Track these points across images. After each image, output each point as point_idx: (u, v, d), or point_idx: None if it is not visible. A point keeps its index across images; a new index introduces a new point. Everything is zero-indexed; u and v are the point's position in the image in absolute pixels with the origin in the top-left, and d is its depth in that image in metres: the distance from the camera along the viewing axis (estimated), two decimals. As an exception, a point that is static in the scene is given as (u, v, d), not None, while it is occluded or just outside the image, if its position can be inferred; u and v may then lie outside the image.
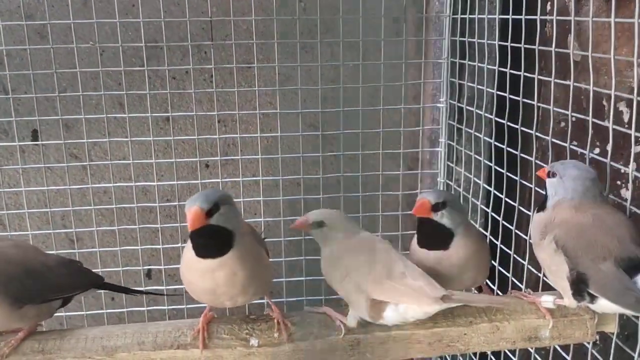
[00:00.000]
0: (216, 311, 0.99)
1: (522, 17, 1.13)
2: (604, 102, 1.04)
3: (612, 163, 0.93)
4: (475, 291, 1.17)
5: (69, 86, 1.46)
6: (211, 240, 0.88)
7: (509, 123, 1.20)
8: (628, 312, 0.86)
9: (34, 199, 1.50)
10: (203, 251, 0.88)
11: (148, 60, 1.43)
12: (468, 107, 1.39)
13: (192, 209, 0.84)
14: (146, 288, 1.53)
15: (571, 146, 1.02)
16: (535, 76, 1.10)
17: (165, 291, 1.51)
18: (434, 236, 0.98)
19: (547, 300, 0.95)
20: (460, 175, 1.45)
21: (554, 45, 1.03)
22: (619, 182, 1.06)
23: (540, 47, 1.06)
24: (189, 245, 0.90)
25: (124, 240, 1.52)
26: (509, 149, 1.21)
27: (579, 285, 0.85)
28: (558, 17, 1.03)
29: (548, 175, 0.93)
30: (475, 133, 1.34)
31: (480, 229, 1.35)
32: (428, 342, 0.93)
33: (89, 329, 0.95)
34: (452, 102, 1.47)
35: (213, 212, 0.86)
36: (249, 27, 1.45)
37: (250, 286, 0.92)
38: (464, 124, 1.41)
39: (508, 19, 1.17)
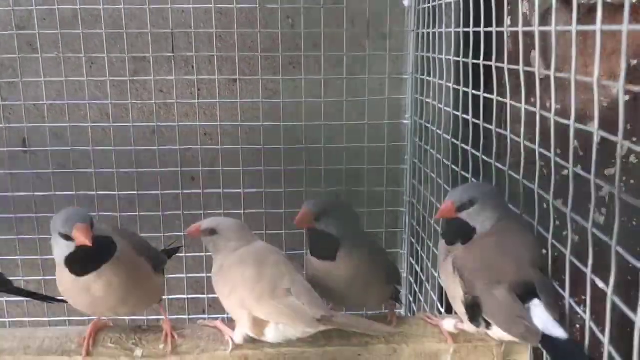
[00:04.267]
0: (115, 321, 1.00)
1: (481, 29, 1.03)
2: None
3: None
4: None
5: (57, 96, 1.49)
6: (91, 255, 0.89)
7: (471, 149, 1.09)
8: (519, 342, 0.81)
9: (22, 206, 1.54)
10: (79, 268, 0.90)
11: (135, 72, 1.46)
12: (430, 126, 1.33)
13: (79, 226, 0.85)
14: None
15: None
16: (494, 97, 0.99)
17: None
18: (320, 244, 0.96)
19: (448, 323, 0.92)
20: (421, 195, 1.40)
21: (505, 62, 0.95)
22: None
23: (497, 64, 0.96)
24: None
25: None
26: (464, 173, 1.13)
27: (474, 310, 0.81)
28: (510, 29, 0.94)
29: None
30: (437, 155, 1.27)
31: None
32: (320, 362, 0.90)
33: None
34: (416, 119, 1.44)
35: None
36: (234, 40, 1.46)
37: (131, 297, 0.93)
38: (429, 143, 1.35)
39: (468, 32, 1.08)
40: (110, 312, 0.94)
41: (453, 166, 1.19)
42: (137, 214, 1.50)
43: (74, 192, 1.50)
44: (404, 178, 1.51)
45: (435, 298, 1.34)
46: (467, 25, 1.08)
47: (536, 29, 0.83)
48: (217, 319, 1.01)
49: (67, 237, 0.86)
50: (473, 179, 1.08)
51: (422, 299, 1.43)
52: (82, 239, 0.83)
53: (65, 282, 0.90)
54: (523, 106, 0.90)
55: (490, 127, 1.01)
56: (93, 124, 1.48)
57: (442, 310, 1.19)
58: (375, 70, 1.47)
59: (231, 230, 0.98)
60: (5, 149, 1.50)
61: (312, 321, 0.84)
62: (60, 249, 0.89)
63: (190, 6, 1.41)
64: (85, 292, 0.89)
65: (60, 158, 1.55)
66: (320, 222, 0.95)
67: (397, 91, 1.50)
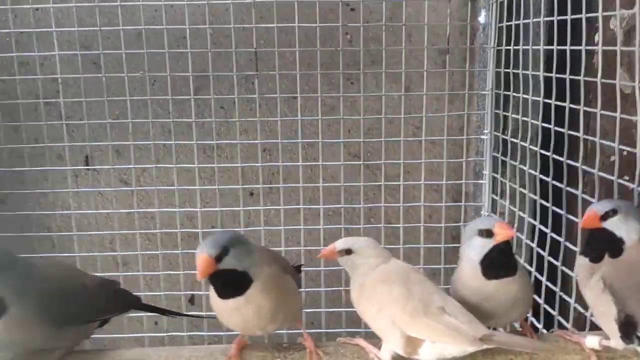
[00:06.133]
0: (250, 338, 0.99)
1: (567, 47, 1.10)
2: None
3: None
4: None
5: (120, 114, 1.51)
6: (227, 283, 0.89)
7: (554, 156, 1.17)
8: None
9: (84, 222, 1.55)
10: (223, 293, 0.90)
11: (197, 90, 1.47)
12: (513, 139, 1.36)
13: (201, 257, 0.85)
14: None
15: (620, 180, 0.98)
16: (581, 107, 1.06)
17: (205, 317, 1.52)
18: (504, 261, 0.94)
19: (592, 340, 0.91)
20: (505, 209, 1.41)
21: (599, 76, 0.99)
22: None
23: (586, 78, 1.03)
24: None
25: (168, 265, 1.55)
26: (554, 182, 1.17)
27: (628, 328, 0.81)
28: (604, 47, 1.00)
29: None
30: (520, 166, 1.31)
31: (526, 265, 1.32)
32: (466, 379, 0.89)
33: (124, 350, 0.97)
34: (496, 134, 1.45)
35: (222, 256, 0.87)
36: (294, 58, 1.47)
37: (278, 315, 0.92)
38: (509, 156, 1.38)
39: (553, 49, 1.15)
40: (261, 330, 0.94)
41: (542, 175, 1.22)
42: (199, 230, 1.51)
43: (134, 210, 1.52)
44: (482, 193, 1.51)
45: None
46: (552, 42, 1.15)
47: (618, 48, 0.92)
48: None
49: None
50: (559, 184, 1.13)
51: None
52: (198, 270, 0.84)
53: (218, 303, 0.92)
54: (618, 116, 0.95)
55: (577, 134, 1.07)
56: (156, 142, 1.50)
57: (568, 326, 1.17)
58: (432, 86, 1.48)
59: (368, 248, 0.97)
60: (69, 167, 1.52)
61: (473, 340, 0.82)
62: None
63: (252, 25, 1.42)
64: (237, 314, 0.90)
65: (123, 175, 1.57)
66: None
67: (457, 107, 1.50)
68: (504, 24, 1.37)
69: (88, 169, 1.55)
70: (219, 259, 0.87)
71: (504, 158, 1.41)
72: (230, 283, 0.89)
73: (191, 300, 1.62)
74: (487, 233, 0.91)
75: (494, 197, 1.47)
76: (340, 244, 0.98)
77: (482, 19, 1.45)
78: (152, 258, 1.56)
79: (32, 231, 1.53)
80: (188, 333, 1.53)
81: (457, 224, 1.53)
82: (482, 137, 1.48)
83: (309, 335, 0.97)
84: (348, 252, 0.97)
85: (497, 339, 0.83)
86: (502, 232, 0.90)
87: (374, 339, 0.94)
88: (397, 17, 1.49)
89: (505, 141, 1.41)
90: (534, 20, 1.22)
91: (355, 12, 1.53)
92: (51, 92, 1.50)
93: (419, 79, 1.49)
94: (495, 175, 1.46)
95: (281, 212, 1.51)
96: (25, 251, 1.50)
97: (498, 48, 1.40)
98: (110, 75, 1.44)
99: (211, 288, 0.92)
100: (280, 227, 1.51)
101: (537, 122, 1.23)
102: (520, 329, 1.03)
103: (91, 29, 1.42)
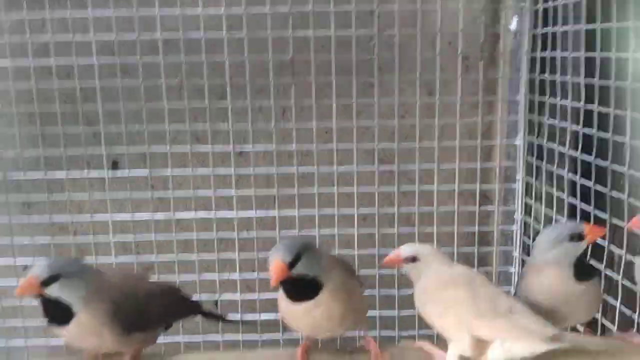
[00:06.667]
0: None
1: (612, 54, 1.12)
2: None
3: None
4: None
5: (151, 120, 1.51)
6: (298, 288, 0.92)
7: (598, 160, 1.18)
8: None
9: (117, 227, 1.55)
10: (295, 297, 0.93)
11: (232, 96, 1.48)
12: (549, 145, 1.38)
13: (275, 263, 0.88)
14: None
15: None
16: (628, 112, 1.08)
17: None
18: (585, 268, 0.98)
19: None
20: (538, 213, 1.43)
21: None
22: None
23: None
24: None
25: (206, 268, 1.55)
26: (598, 187, 1.19)
27: None
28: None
29: None
30: (558, 170, 1.33)
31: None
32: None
33: (191, 354, 0.98)
34: (530, 138, 1.47)
35: (294, 262, 0.89)
36: (325, 64, 1.47)
37: (348, 318, 0.95)
38: (545, 160, 1.40)
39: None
40: (330, 332, 0.97)
41: (584, 180, 1.24)
42: (236, 236, 1.52)
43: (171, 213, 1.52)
44: (515, 197, 1.53)
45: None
46: (590, 48, 1.17)
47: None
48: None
49: None
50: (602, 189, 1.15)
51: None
52: (272, 277, 0.87)
53: (288, 307, 0.94)
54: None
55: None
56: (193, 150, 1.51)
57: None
58: (454, 91, 1.50)
59: (431, 255, 1.00)
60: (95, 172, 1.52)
61: (545, 339, 0.84)
62: None
63: (289, 34, 1.43)
64: (308, 317, 0.92)
65: (153, 180, 1.57)
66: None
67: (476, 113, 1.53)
68: (539, 30, 1.39)
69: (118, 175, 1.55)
70: (291, 265, 0.89)
71: (538, 163, 1.43)
72: (302, 288, 0.91)
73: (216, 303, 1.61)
74: (579, 237, 0.95)
75: (528, 201, 1.49)
76: (405, 251, 1.00)
77: (513, 25, 1.46)
78: (189, 263, 1.55)
79: (57, 236, 1.52)
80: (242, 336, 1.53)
81: (487, 228, 1.56)
82: (516, 142, 1.50)
83: (371, 339, 0.99)
84: (414, 259, 0.99)
85: (570, 338, 0.85)
86: (593, 233, 0.95)
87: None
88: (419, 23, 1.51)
89: (540, 146, 1.42)
90: (574, 27, 1.24)
91: (380, 18, 1.54)
92: (82, 98, 1.49)
93: (442, 84, 1.51)
94: (529, 179, 1.48)
95: (316, 218, 1.52)
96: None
97: (532, 55, 1.42)
98: (144, 83, 1.44)
99: (280, 291, 0.94)
100: (315, 232, 1.52)
101: (578, 128, 1.25)
102: (584, 331, 1.05)
103: (129, 39, 1.43)
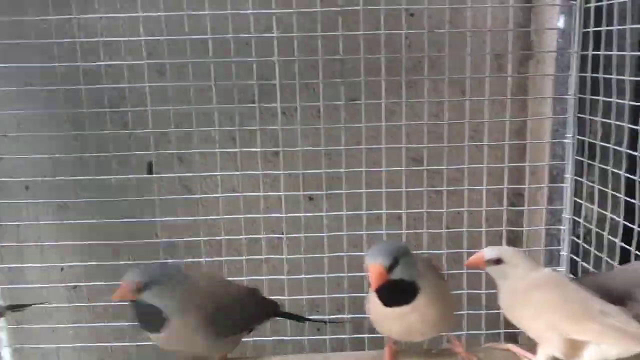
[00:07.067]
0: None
1: None
2: None
3: None
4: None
5: (183, 121, 1.53)
6: (395, 292, 0.92)
7: None
8: None
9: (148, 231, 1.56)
10: (391, 302, 0.93)
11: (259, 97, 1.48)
12: (602, 143, 1.37)
13: (374, 267, 0.87)
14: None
15: None
16: None
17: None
18: None
19: None
20: (588, 212, 1.43)
21: None
22: None
23: None
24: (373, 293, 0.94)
25: (231, 272, 1.56)
26: None
27: None
28: None
29: None
30: (614, 170, 1.31)
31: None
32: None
33: (280, 357, 1.03)
34: (579, 137, 1.46)
35: (393, 267, 0.89)
36: (355, 65, 1.47)
37: (442, 322, 0.96)
38: (597, 160, 1.39)
39: None
40: (422, 336, 0.97)
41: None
42: (262, 236, 1.53)
43: (197, 217, 1.53)
44: (563, 196, 1.52)
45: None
46: None
47: None
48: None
49: None
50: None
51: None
52: (373, 281, 0.87)
53: (382, 311, 0.94)
54: None
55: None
56: (221, 150, 1.51)
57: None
58: (488, 90, 1.50)
59: (516, 257, 1.00)
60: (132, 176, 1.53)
61: None
62: None
63: (318, 34, 1.43)
64: (403, 322, 0.93)
65: (186, 182, 1.59)
66: None
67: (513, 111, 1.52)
68: (591, 29, 1.38)
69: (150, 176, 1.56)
70: (390, 269, 0.89)
71: (590, 162, 1.42)
72: (398, 292, 0.91)
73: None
74: None
75: (577, 200, 1.48)
76: (489, 253, 1.00)
77: (560, 24, 1.46)
78: (214, 264, 1.56)
79: (93, 239, 1.54)
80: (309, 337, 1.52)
81: (518, 228, 1.55)
82: (565, 141, 1.49)
83: (457, 340, 1.00)
84: (498, 261, 0.99)
85: None
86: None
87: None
88: (455, 22, 1.52)
89: (591, 145, 1.41)
90: (631, 26, 1.23)
91: (414, 17, 1.54)
92: (115, 100, 1.51)
93: (475, 83, 1.50)
94: (578, 178, 1.47)
95: (343, 218, 1.52)
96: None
97: (582, 53, 1.41)
98: (176, 84, 1.45)
99: (370, 295, 0.94)
100: (343, 233, 1.52)
101: (637, 127, 1.23)
102: None
103: (157, 38, 1.44)
